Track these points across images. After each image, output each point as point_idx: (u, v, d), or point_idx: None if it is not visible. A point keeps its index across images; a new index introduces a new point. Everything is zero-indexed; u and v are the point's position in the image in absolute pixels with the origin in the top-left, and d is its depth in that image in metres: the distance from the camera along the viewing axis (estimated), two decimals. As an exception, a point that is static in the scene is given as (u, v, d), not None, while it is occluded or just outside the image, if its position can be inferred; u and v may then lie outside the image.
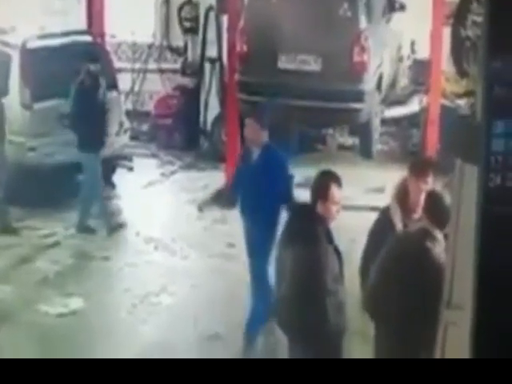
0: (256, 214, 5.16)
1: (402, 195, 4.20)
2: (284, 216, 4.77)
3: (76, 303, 5.98)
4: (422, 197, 3.99)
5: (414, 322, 3.74)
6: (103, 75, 7.28)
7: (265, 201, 5.08)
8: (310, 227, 3.85)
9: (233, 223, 7.49)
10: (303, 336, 3.88)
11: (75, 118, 6.99)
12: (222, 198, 7.85)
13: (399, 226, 4.12)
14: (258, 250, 5.19)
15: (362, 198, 7.46)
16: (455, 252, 3.18)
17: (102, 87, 7.19)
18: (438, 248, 3.75)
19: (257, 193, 5.14)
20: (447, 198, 3.81)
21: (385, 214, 4.27)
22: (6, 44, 7.91)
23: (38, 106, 7.56)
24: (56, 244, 7.01)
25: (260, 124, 5.12)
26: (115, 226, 7.29)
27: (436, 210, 3.78)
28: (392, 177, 4.61)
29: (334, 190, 3.88)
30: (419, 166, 4.31)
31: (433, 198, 3.88)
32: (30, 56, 7.57)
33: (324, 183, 3.90)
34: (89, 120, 6.91)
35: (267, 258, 5.07)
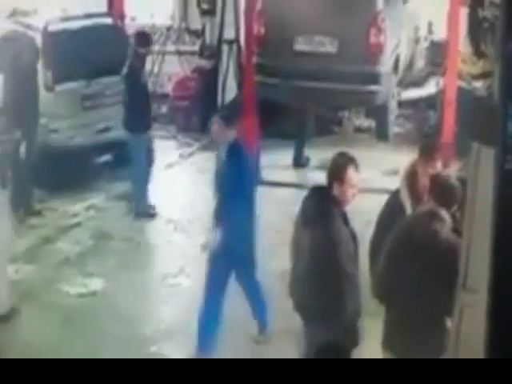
0: (226, 211, 5.06)
1: (411, 178, 4.23)
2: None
3: (96, 283, 6.10)
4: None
5: (424, 305, 3.78)
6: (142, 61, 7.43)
7: (231, 198, 5.01)
8: (326, 209, 3.85)
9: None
10: (319, 318, 3.90)
11: (125, 99, 7.19)
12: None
13: (408, 209, 4.15)
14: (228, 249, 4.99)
15: (379, 180, 7.49)
16: (471, 234, 3.22)
17: (145, 70, 7.40)
18: (446, 229, 3.79)
19: (225, 190, 5.09)
20: (451, 179, 3.86)
21: (395, 197, 4.30)
22: (29, 27, 8.00)
23: (59, 87, 7.65)
24: (77, 225, 7.13)
25: (225, 123, 5.03)
26: (144, 213, 7.29)
27: (441, 190, 3.81)
28: (408, 159, 4.64)
29: (351, 173, 3.87)
30: (428, 149, 4.32)
31: (437, 180, 3.90)
32: (51, 38, 7.66)
33: (340, 166, 3.89)
34: (138, 101, 7.06)
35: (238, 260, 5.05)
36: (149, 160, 7.36)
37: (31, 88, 7.21)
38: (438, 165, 4.18)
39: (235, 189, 4.99)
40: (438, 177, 3.96)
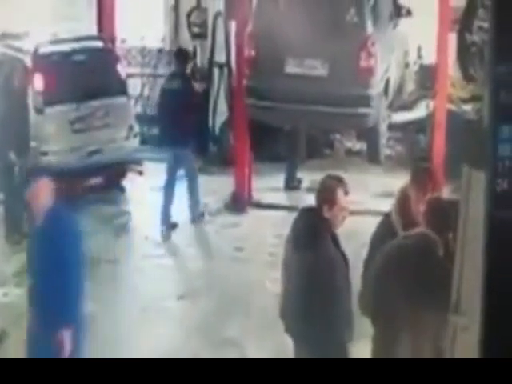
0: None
1: (403, 202, 4.21)
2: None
3: (85, 306, 6.04)
4: (423, 206, 3.98)
5: (411, 325, 3.77)
6: (191, 76, 7.92)
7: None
8: (317, 231, 3.84)
9: (242, 227, 7.57)
10: (309, 342, 3.88)
11: (159, 115, 7.46)
12: (231, 203, 7.92)
13: (400, 232, 4.14)
14: None
15: (370, 202, 7.51)
16: (463, 257, 3.22)
17: (189, 87, 7.56)
18: (439, 252, 3.78)
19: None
20: (446, 205, 3.84)
21: (387, 220, 4.29)
22: (19, 50, 8.01)
23: (49, 110, 7.65)
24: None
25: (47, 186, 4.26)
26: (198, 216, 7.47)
27: (435, 215, 3.79)
28: (399, 182, 4.65)
29: (340, 195, 3.86)
30: (419, 174, 4.30)
31: (431, 205, 3.88)
32: (41, 61, 7.67)
33: (330, 188, 3.88)
34: (175, 117, 7.12)
35: None
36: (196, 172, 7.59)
37: (21, 111, 7.21)
38: (430, 189, 4.16)
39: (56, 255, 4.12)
40: (432, 202, 3.93)
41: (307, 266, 3.83)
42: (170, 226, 7.34)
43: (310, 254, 3.82)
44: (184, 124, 7.18)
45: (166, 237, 7.27)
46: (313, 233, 3.85)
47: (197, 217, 7.56)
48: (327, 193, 3.88)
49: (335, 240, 3.91)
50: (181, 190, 8.59)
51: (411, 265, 3.79)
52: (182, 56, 7.65)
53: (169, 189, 7.44)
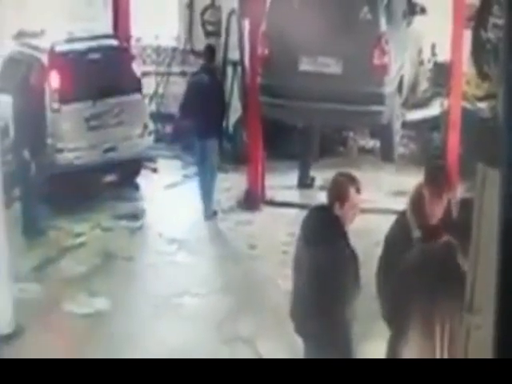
0: None
1: (417, 201, 4.18)
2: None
3: (101, 303, 6.10)
4: (438, 205, 3.93)
5: (434, 334, 3.75)
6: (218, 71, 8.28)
7: None
8: (327, 229, 3.84)
9: (255, 225, 7.59)
10: (316, 341, 3.88)
11: (188, 108, 7.65)
12: (244, 201, 7.94)
13: (415, 231, 4.12)
14: None
15: (384, 201, 7.50)
16: (477, 256, 3.22)
17: (218, 81, 7.89)
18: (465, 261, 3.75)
19: None
20: (466, 212, 3.79)
21: (401, 219, 4.27)
22: (36, 48, 8.08)
23: (65, 108, 7.71)
24: (82, 244, 7.14)
25: None
26: (211, 214, 7.59)
27: (458, 225, 3.73)
28: (413, 180, 4.65)
29: (352, 193, 3.85)
30: (434, 174, 4.24)
31: (451, 213, 3.84)
32: (58, 59, 7.73)
33: (342, 185, 3.87)
34: (203, 110, 7.36)
35: None
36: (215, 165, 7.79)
37: (38, 109, 7.27)
38: (444, 188, 4.14)
39: None
40: (449, 211, 3.88)
41: (318, 264, 3.83)
42: (210, 214, 7.57)
43: (322, 253, 3.82)
44: (213, 116, 7.49)
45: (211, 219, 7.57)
46: (324, 230, 3.86)
47: (210, 214, 7.62)
48: (338, 190, 3.87)
49: (345, 238, 3.89)
50: (193, 187, 8.65)
51: (440, 275, 3.73)
52: (209, 52, 7.90)
53: (202, 178, 7.70)
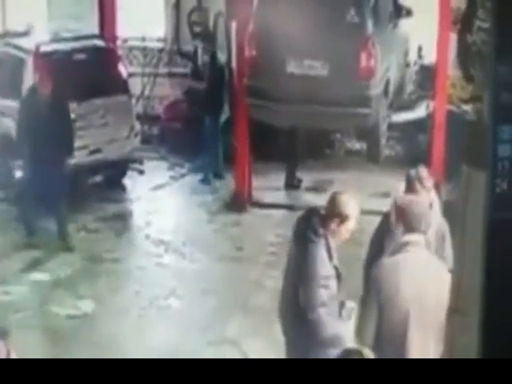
0: None
1: (400, 206, 4.20)
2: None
3: (87, 305, 6.07)
4: (419, 208, 3.86)
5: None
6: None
7: None
8: (313, 236, 3.86)
9: (242, 227, 7.60)
10: (294, 344, 3.94)
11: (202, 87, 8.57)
12: (231, 202, 7.94)
13: (398, 233, 4.12)
14: None
15: (368, 202, 7.53)
16: (462, 258, 3.24)
17: (219, 64, 8.66)
18: (424, 252, 3.72)
19: None
20: (414, 205, 3.78)
21: (385, 221, 4.30)
22: (20, 48, 8.03)
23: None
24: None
25: None
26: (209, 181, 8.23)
27: (408, 217, 3.71)
28: (397, 182, 4.67)
29: (352, 222, 3.87)
30: (412, 179, 4.23)
31: (401, 208, 3.82)
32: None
33: (350, 208, 3.87)
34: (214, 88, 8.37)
35: None
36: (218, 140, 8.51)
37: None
38: (423, 194, 4.13)
39: None
40: (400, 206, 3.86)
41: (296, 268, 3.88)
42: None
43: (301, 258, 3.87)
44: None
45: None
46: (309, 237, 3.87)
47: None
48: (344, 212, 3.86)
49: (329, 252, 3.90)
50: (180, 189, 8.63)
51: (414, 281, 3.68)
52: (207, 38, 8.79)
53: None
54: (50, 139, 6.66)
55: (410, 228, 3.65)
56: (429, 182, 4.17)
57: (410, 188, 4.13)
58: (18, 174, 7.69)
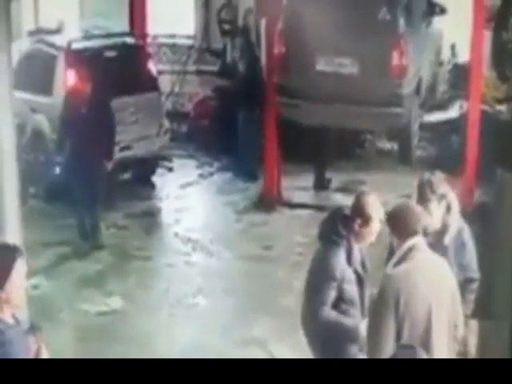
0: None
1: (391, 217, 4.08)
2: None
3: (116, 302, 6.09)
4: (410, 211, 3.75)
5: None
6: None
7: None
8: (335, 237, 3.83)
9: (270, 226, 7.56)
10: (312, 344, 3.95)
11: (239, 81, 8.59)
12: (260, 202, 7.91)
13: (399, 244, 4.00)
14: None
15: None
16: (495, 261, 3.17)
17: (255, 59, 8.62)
18: (428, 252, 3.66)
19: None
20: (404, 212, 3.71)
21: None
22: (52, 45, 8.09)
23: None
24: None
25: None
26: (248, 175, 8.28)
27: (402, 224, 3.67)
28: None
29: (376, 222, 3.82)
30: (420, 186, 4.12)
31: (393, 218, 3.74)
32: (75, 57, 7.73)
33: (374, 208, 3.82)
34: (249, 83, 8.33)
35: None
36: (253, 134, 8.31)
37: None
38: (434, 202, 4.00)
39: None
40: (395, 210, 3.78)
41: (315, 262, 3.90)
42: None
43: (318, 259, 3.87)
44: None
45: None
46: (331, 238, 3.85)
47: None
48: (367, 209, 3.82)
49: (349, 256, 3.86)
50: (208, 187, 8.63)
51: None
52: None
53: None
54: (91, 138, 6.69)
55: (408, 233, 3.61)
56: (441, 189, 4.03)
57: (421, 196, 4.02)
58: (52, 171, 7.74)
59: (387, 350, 3.48)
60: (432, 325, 3.54)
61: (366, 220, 3.83)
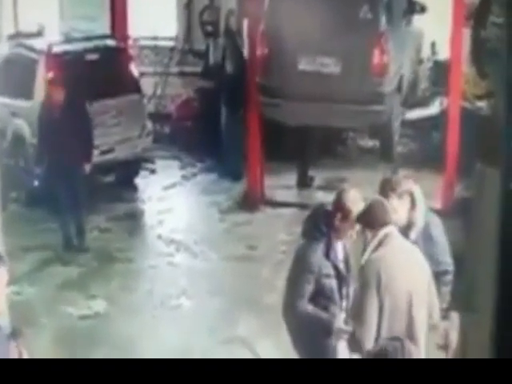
0: None
1: (361, 212, 4.09)
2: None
3: (99, 305, 6.06)
4: (377, 204, 3.83)
5: None
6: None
7: None
8: (317, 231, 3.89)
9: (254, 225, 7.56)
10: (294, 339, 4.01)
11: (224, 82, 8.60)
12: (244, 201, 7.91)
13: (372, 235, 4.01)
14: None
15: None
16: (476, 254, 3.19)
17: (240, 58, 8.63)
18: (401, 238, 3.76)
19: None
20: (372, 206, 3.77)
21: None
22: (32, 49, 8.05)
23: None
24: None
25: None
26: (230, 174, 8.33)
27: (372, 216, 3.75)
28: (409, 180, 4.59)
29: (354, 211, 3.84)
30: (381, 183, 4.12)
31: (363, 213, 3.82)
32: (55, 60, 7.69)
33: (352, 201, 3.87)
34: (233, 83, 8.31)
35: None
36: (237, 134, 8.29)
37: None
38: (394, 199, 4.01)
39: None
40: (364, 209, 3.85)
41: (295, 255, 3.97)
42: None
43: (302, 246, 3.94)
44: None
45: None
46: (315, 228, 3.91)
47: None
48: (347, 203, 3.88)
49: (328, 250, 3.90)
50: (192, 188, 8.61)
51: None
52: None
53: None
54: (68, 143, 6.66)
55: (380, 224, 3.70)
56: (403, 187, 4.05)
57: (382, 194, 4.04)
58: (33, 175, 7.69)
59: (372, 330, 3.54)
60: (413, 309, 3.61)
61: (345, 215, 3.87)
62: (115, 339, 5.58)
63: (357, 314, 3.67)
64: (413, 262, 3.70)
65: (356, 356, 3.68)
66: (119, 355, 5.16)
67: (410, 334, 3.56)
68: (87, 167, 6.88)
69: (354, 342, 3.65)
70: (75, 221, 6.92)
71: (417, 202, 4.06)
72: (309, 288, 3.86)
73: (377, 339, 3.58)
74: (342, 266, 3.97)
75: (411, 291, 3.62)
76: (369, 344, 3.58)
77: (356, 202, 3.87)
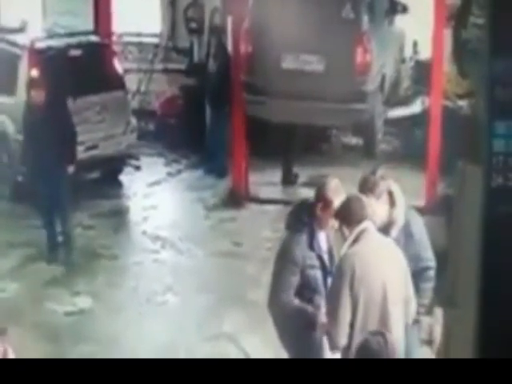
0: None
1: (338, 209, 4.14)
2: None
3: (84, 302, 6.07)
4: (353, 200, 3.90)
5: None
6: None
7: None
8: (299, 222, 3.95)
9: (239, 222, 7.61)
10: (280, 332, 4.07)
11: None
12: (228, 198, 7.95)
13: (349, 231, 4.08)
14: None
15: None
16: (459, 251, 3.26)
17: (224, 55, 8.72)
18: (377, 234, 3.83)
19: None
20: (348, 202, 3.84)
21: None
22: (15, 44, 8.00)
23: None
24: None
25: None
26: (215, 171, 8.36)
27: (349, 212, 3.82)
28: (394, 177, 4.66)
29: (336, 201, 3.90)
30: (360, 182, 4.20)
31: (339, 210, 3.90)
32: (38, 56, 7.66)
33: (333, 190, 3.92)
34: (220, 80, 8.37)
35: None
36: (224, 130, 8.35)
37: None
38: (372, 198, 4.08)
39: None
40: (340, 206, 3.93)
41: (279, 247, 4.02)
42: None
43: (286, 238, 4.00)
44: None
45: None
46: (298, 220, 3.96)
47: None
48: (328, 193, 3.93)
49: (311, 241, 3.95)
50: (177, 185, 8.63)
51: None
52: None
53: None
54: (51, 144, 6.58)
55: (356, 220, 3.77)
56: (381, 186, 4.11)
57: (361, 192, 4.10)
58: (17, 172, 7.66)
59: (344, 326, 3.60)
60: (388, 303, 3.67)
61: (327, 204, 3.91)
62: (100, 336, 5.59)
63: (330, 311, 3.73)
64: (388, 257, 3.77)
65: (335, 353, 3.73)
66: (105, 352, 5.19)
67: (386, 329, 3.59)
68: (70, 169, 6.82)
69: (330, 339, 3.71)
70: (60, 220, 6.89)
71: (396, 200, 4.12)
72: (294, 280, 3.90)
73: (351, 334, 3.63)
74: (326, 256, 4.02)
75: (386, 286, 3.67)
76: (343, 340, 3.63)
77: (337, 192, 3.93)
